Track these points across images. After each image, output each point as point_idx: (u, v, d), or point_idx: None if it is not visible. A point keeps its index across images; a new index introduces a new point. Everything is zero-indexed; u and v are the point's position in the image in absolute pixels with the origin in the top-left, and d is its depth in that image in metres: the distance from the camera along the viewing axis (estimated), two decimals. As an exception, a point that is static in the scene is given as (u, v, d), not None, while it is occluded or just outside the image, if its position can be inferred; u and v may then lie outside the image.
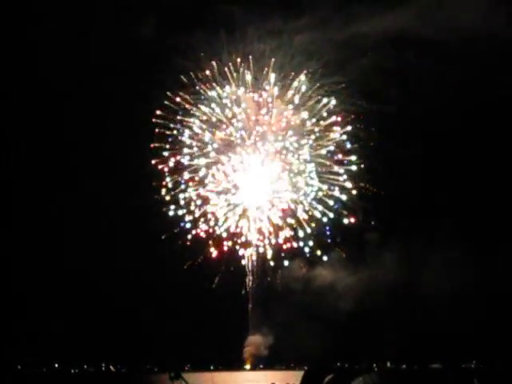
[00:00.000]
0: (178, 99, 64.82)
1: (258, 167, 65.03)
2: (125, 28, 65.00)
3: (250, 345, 71.76)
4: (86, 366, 76.08)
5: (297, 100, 64.09)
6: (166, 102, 64.62)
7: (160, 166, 65.37)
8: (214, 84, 64.72)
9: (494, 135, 65.67)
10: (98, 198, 66.10)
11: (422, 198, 66.86)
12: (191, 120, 65.32)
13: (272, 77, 63.67)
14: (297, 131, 64.30)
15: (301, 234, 65.46)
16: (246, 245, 66.11)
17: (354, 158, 64.45)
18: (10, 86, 66.28)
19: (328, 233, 65.43)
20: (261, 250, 66.30)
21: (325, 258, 66.19)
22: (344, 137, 64.25)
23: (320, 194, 64.91)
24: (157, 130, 65.01)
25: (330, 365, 68.36)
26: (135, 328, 68.18)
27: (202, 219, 65.98)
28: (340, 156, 64.70)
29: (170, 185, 65.70)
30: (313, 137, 64.54)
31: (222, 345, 68.51)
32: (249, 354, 72.04)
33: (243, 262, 66.60)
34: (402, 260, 65.06)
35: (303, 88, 63.83)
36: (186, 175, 65.66)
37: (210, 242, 65.92)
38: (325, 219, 65.34)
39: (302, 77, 63.27)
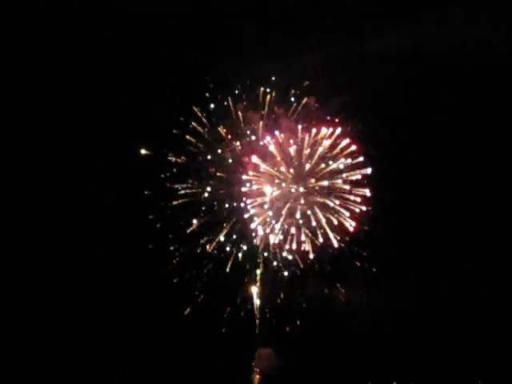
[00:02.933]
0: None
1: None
2: (125, 48, 65.02)
3: (260, 358, 69.61)
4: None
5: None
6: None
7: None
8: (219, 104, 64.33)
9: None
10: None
11: (442, 218, 66.62)
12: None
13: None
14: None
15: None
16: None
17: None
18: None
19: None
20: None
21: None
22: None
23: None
24: None
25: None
26: (138, 350, 67.93)
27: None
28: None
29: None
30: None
31: (229, 367, 68.16)
32: (259, 368, 71.02)
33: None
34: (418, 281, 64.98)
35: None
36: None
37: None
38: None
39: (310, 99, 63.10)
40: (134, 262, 65.44)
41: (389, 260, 65.55)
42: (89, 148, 66.04)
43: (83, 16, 64.55)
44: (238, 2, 63.99)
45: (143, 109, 64.04)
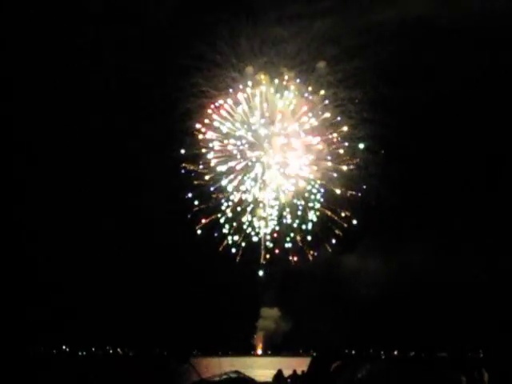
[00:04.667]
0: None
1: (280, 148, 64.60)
2: (140, 10, 64.89)
3: (264, 318, 69.17)
4: (93, 349, 76.57)
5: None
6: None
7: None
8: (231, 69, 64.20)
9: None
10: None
11: (456, 187, 66.56)
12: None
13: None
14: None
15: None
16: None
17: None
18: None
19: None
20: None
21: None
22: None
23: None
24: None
25: (337, 352, 68.64)
26: (144, 311, 68.47)
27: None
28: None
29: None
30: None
31: (233, 330, 68.46)
32: (262, 330, 70.15)
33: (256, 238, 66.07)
34: (426, 249, 65.11)
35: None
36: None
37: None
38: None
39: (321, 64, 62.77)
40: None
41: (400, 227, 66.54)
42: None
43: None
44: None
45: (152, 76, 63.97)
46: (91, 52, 65.38)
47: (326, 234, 64.57)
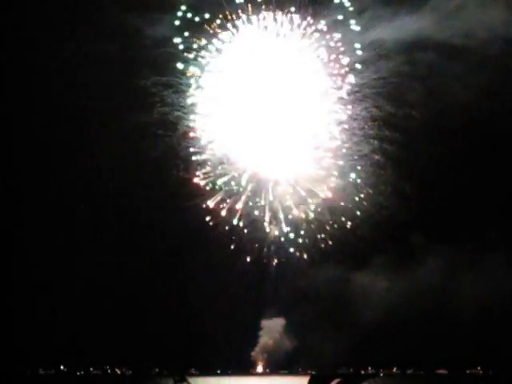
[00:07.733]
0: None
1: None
2: (137, 28, 64.69)
3: (266, 332, 68.29)
4: (91, 369, 76.30)
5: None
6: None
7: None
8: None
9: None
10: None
11: (462, 203, 67.12)
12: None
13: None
14: None
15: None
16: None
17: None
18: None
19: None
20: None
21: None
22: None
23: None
24: None
25: (336, 370, 68.68)
26: (141, 330, 68.46)
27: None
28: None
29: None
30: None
31: (232, 350, 68.20)
32: (263, 345, 69.74)
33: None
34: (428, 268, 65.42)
35: None
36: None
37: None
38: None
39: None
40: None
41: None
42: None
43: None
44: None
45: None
46: (87, 68, 66.00)
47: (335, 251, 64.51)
